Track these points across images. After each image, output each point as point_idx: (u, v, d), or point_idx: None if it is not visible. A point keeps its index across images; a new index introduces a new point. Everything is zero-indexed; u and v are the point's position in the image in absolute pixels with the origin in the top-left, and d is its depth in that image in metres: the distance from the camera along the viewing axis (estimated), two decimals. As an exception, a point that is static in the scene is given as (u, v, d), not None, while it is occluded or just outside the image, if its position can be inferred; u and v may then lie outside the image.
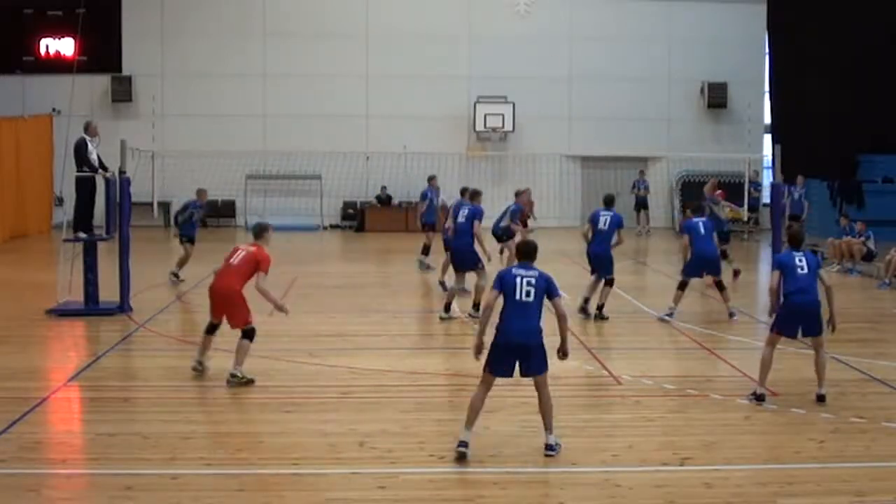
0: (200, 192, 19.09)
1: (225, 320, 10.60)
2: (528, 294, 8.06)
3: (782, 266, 9.90)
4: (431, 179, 21.01)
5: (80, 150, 14.70)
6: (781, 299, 9.77)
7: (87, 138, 14.81)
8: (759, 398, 9.61)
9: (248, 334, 10.38)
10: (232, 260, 10.48)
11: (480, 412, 8.06)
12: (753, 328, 14.35)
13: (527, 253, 8.40)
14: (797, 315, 9.68)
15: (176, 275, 18.04)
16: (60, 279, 15.08)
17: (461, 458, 7.77)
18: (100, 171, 14.87)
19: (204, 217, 20.02)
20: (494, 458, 7.96)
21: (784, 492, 7.24)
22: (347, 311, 15.33)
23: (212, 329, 10.69)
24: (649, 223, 29.63)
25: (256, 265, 10.34)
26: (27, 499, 7.01)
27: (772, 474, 7.62)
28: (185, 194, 29.69)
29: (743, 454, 8.13)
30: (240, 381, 10.15)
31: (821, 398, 9.59)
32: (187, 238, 18.44)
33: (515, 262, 8.43)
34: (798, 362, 11.65)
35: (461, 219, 14.89)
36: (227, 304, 10.39)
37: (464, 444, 7.88)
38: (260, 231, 10.76)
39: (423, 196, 20.33)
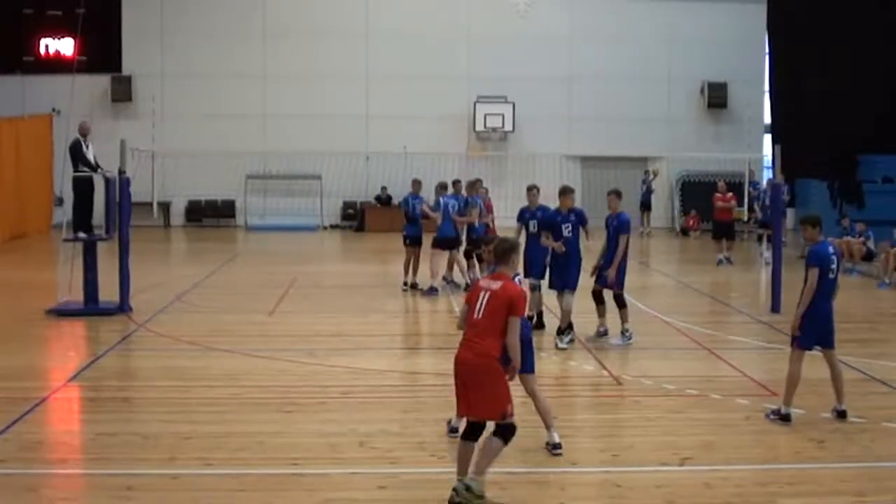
0: (415, 183, 17.61)
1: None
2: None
3: (822, 263, 8.83)
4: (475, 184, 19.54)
5: (76, 150, 14.73)
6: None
7: (82, 138, 14.86)
8: (785, 418, 8.89)
9: (505, 432, 6.88)
10: (476, 313, 6.93)
11: None
12: (753, 328, 14.35)
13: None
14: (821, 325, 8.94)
15: (407, 284, 16.96)
16: (60, 279, 15.08)
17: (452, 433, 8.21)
18: (99, 169, 14.91)
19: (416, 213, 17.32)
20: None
21: (784, 492, 7.24)
22: (347, 311, 15.33)
23: (470, 432, 7.01)
24: (650, 224, 29.62)
25: (508, 308, 6.88)
26: (27, 499, 7.01)
27: (772, 474, 7.61)
28: (185, 194, 30.10)
29: (743, 454, 8.13)
30: (472, 498, 6.72)
31: (842, 414, 9.00)
32: (411, 239, 17.09)
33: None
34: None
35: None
36: (476, 385, 6.84)
37: (454, 429, 8.20)
38: (504, 252, 7.16)
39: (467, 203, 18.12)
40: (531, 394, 8.08)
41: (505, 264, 7.12)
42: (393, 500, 7.07)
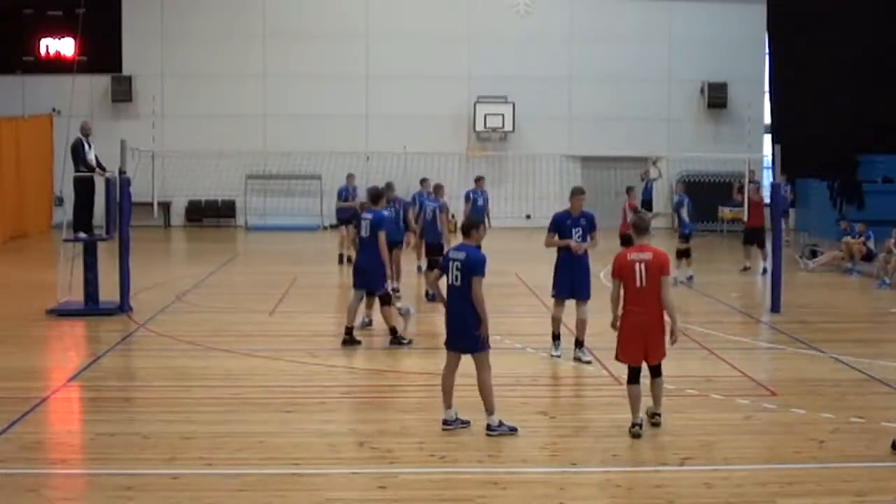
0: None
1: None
2: (456, 279, 8.52)
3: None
4: (479, 180, 19.56)
5: (77, 151, 14.73)
6: None
7: (83, 138, 14.87)
8: None
9: (660, 368, 8.66)
10: (638, 282, 8.40)
11: (452, 390, 8.61)
12: (754, 328, 14.36)
13: (463, 230, 8.87)
14: None
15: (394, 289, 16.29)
16: (60, 279, 15.08)
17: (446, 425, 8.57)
18: (97, 170, 14.90)
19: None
20: (494, 458, 7.97)
21: (784, 492, 7.24)
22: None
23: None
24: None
25: (661, 271, 8.41)
26: (27, 499, 7.01)
27: (772, 474, 7.61)
28: (185, 194, 30.08)
29: (743, 454, 8.12)
30: (660, 420, 8.71)
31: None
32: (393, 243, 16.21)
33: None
34: (799, 362, 11.68)
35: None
36: (658, 338, 8.50)
37: (447, 422, 8.58)
38: (647, 227, 8.68)
39: (467, 198, 18.75)
40: (483, 369, 8.49)
41: (647, 235, 8.54)
42: (393, 500, 7.06)
